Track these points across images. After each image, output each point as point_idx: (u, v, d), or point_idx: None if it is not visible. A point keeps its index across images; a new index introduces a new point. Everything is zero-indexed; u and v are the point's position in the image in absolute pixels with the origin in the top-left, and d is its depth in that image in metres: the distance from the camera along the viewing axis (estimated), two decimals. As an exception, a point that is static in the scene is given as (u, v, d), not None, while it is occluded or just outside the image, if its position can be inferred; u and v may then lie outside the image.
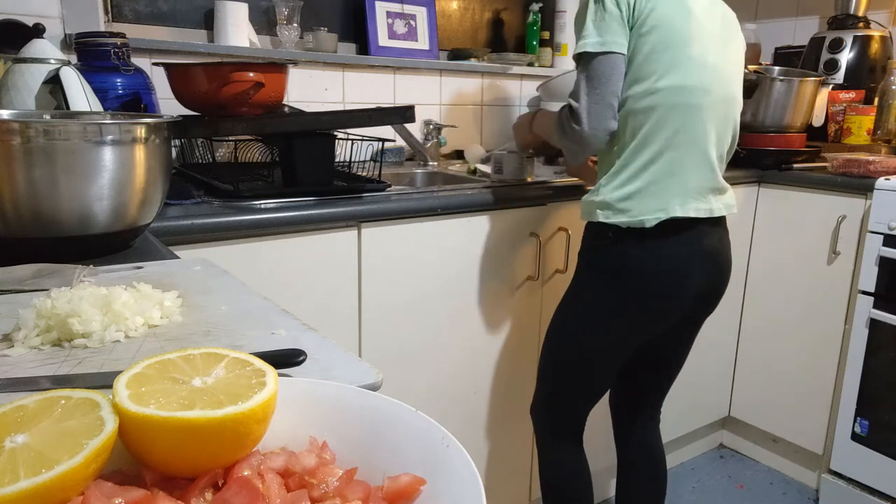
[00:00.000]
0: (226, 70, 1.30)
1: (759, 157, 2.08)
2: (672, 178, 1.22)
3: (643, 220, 1.22)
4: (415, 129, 2.02)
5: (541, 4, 2.36)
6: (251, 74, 1.30)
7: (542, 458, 1.48)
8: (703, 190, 1.26)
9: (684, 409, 2.12)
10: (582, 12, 1.24)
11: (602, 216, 1.25)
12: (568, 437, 1.44)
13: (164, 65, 1.38)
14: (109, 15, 1.64)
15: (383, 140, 1.51)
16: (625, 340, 1.33)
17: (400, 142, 1.98)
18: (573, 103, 1.23)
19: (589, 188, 1.38)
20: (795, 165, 2.07)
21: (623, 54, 1.20)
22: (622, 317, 1.29)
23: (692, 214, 1.24)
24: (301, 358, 0.51)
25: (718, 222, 1.31)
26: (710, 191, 1.27)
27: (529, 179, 1.66)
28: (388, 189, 1.44)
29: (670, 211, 1.22)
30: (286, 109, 1.68)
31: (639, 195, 1.22)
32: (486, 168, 1.87)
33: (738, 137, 1.35)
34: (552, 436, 1.45)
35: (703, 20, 1.24)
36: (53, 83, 1.05)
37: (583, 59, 1.22)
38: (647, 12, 1.19)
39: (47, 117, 0.92)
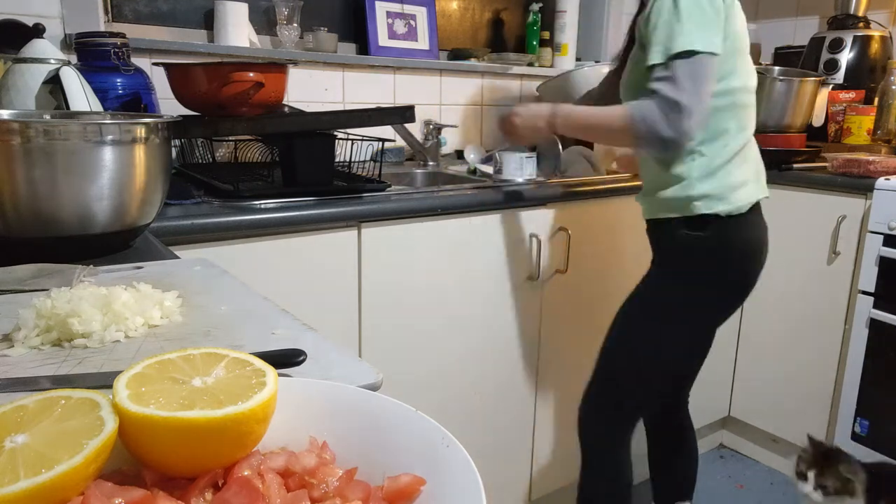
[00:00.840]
0: (226, 70, 1.30)
1: (759, 157, 2.08)
2: (749, 166, 1.34)
3: (741, 207, 1.30)
4: (415, 129, 2.02)
5: (541, 4, 2.36)
6: (251, 74, 1.30)
7: (595, 470, 1.48)
8: (762, 174, 1.39)
9: (684, 409, 2.12)
10: (681, 6, 1.22)
11: (704, 208, 1.30)
12: (627, 444, 1.46)
13: (164, 65, 1.38)
14: (109, 15, 1.64)
15: (383, 140, 1.51)
16: (715, 323, 1.41)
17: (400, 142, 1.98)
18: (681, 98, 1.19)
19: (638, 182, 1.44)
20: (795, 165, 2.07)
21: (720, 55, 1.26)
22: (724, 297, 1.37)
23: (763, 195, 1.36)
24: (301, 358, 0.51)
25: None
26: (763, 174, 1.40)
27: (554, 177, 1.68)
28: (388, 189, 1.44)
29: (754, 196, 1.33)
30: (286, 109, 1.68)
31: (734, 184, 1.30)
32: (487, 168, 1.87)
33: None
34: (610, 446, 1.46)
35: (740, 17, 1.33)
36: (53, 83, 1.05)
37: (690, 56, 1.21)
38: (729, 16, 1.27)
39: (47, 117, 0.92)
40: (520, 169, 1.63)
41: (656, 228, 1.39)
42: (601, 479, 1.47)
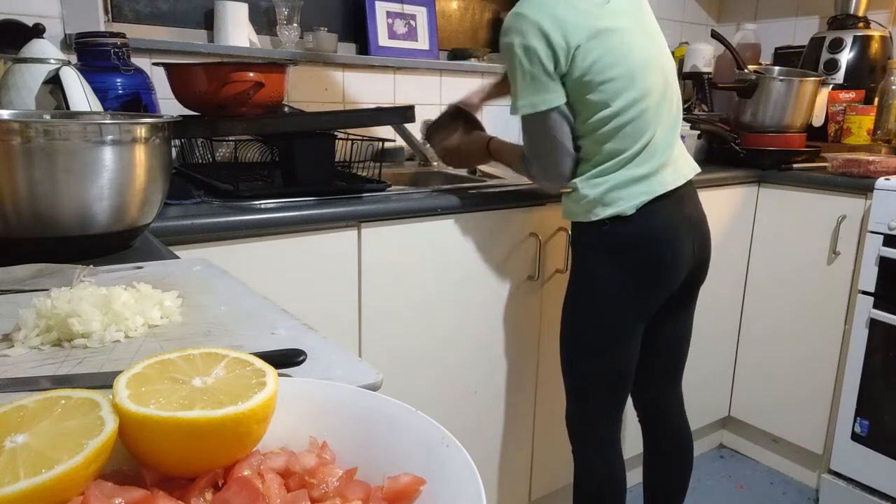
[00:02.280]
0: (226, 70, 1.30)
1: (759, 157, 2.08)
2: (641, 168, 1.31)
3: (625, 210, 1.30)
4: (415, 129, 2.02)
5: (541, 4, 2.36)
6: (251, 74, 1.30)
7: (578, 467, 1.49)
8: (668, 162, 1.35)
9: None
10: (515, 64, 1.27)
11: (592, 216, 1.32)
12: (612, 443, 1.45)
13: (164, 65, 1.38)
14: (109, 15, 1.64)
15: (383, 140, 1.51)
16: (637, 314, 1.38)
17: (400, 142, 1.98)
18: (532, 161, 1.36)
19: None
20: (795, 165, 2.07)
21: (558, 106, 1.28)
22: (629, 289, 1.35)
23: (670, 188, 1.32)
24: (301, 358, 0.51)
25: (689, 188, 1.39)
26: (674, 161, 1.36)
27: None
28: (388, 189, 1.44)
29: (651, 192, 1.31)
30: (286, 109, 1.68)
31: (618, 188, 1.30)
32: (486, 168, 1.87)
33: (679, 94, 1.42)
34: (594, 445, 1.46)
35: (620, 24, 1.28)
36: (53, 83, 1.05)
37: (532, 115, 1.30)
38: (576, 57, 1.24)
39: (47, 117, 0.92)
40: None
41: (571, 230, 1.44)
42: (592, 481, 1.47)
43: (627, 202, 1.30)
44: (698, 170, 1.43)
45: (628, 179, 1.30)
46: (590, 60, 1.23)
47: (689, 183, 1.39)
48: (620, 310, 1.36)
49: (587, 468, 1.47)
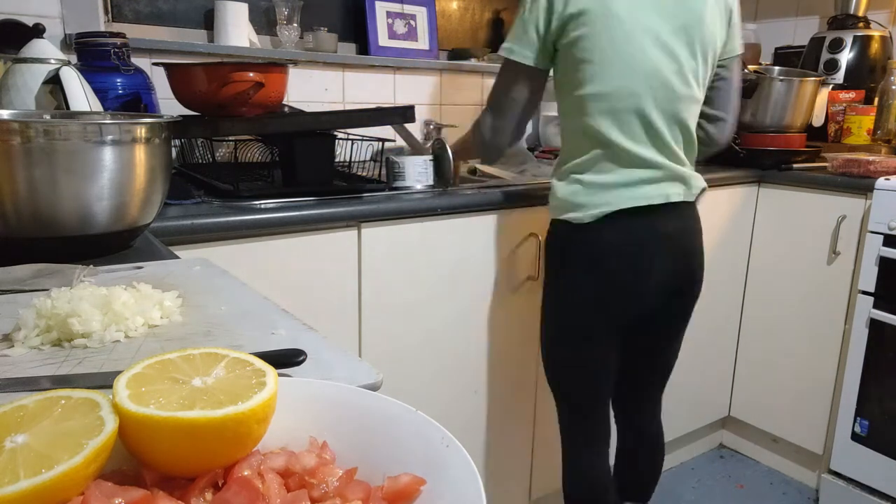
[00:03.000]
0: (226, 70, 1.30)
1: (759, 157, 2.08)
2: (613, 174, 1.27)
3: (582, 217, 1.28)
4: (415, 129, 2.02)
5: (541, 4, 2.36)
6: (251, 74, 1.30)
7: (563, 469, 1.49)
8: (658, 179, 1.28)
9: (684, 409, 2.12)
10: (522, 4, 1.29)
11: (558, 214, 1.32)
12: (595, 447, 1.45)
13: (164, 65, 1.38)
14: (109, 15, 1.64)
15: (383, 140, 1.51)
16: (599, 322, 1.34)
17: (400, 142, 1.97)
18: (485, 109, 1.41)
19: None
20: (795, 165, 2.07)
21: (529, 67, 1.30)
22: (590, 295, 1.33)
23: (641, 203, 1.26)
24: (301, 358, 0.51)
25: (677, 207, 1.32)
26: (665, 178, 1.29)
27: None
28: (388, 189, 1.44)
29: (615, 205, 1.26)
30: (286, 109, 1.68)
31: (584, 192, 1.28)
32: (487, 168, 1.87)
33: (695, 117, 1.34)
34: (578, 445, 1.46)
35: (634, 17, 1.22)
36: (53, 83, 1.05)
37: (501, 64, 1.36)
38: (568, 28, 1.23)
39: (47, 117, 0.92)
40: (424, 174, 1.50)
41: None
42: (575, 483, 1.47)
43: (587, 210, 1.27)
44: (694, 194, 1.35)
45: (596, 184, 1.27)
46: (579, 33, 1.22)
47: (677, 204, 1.31)
48: (583, 313, 1.34)
49: (570, 470, 1.48)
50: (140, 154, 0.82)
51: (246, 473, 0.35)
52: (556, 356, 1.43)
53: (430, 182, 1.50)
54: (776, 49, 2.56)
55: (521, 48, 1.28)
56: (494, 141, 1.39)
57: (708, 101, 1.39)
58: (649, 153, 1.27)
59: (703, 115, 1.40)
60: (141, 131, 0.81)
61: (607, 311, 1.33)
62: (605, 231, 1.27)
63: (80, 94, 1.05)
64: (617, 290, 1.31)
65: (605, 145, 1.26)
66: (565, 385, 1.44)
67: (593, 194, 1.27)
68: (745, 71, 2.14)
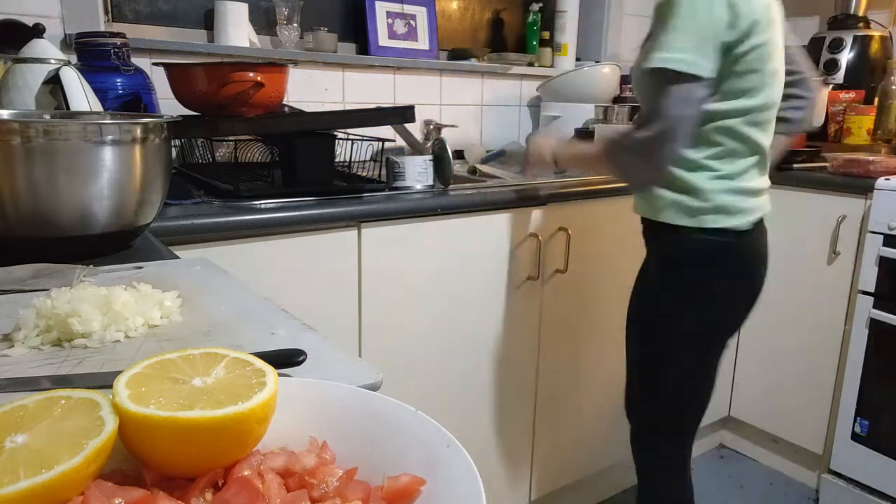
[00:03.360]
0: (226, 70, 1.30)
1: (759, 157, 2.08)
2: (756, 181, 1.25)
3: (751, 221, 1.23)
4: (415, 129, 2.02)
5: (541, 4, 2.36)
6: (251, 74, 1.30)
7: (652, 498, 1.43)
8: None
9: (684, 409, 2.12)
10: (667, 15, 1.13)
11: (702, 222, 1.21)
12: (686, 469, 1.40)
13: (164, 65, 1.38)
14: (109, 15, 1.64)
15: (383, 140, 1.51)
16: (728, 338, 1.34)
17: (400, 142, 1.98)
18: (643, 134, 1.15)
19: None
20: (795, 165, 2.07)
21: (711, 80, 1.15)
22: (736, 307, 1.30)
23: (768, 210, 1.29)
24: (301, 358, 0.51)
25: None
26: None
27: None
28: (388, 189, 1.44)
29: (762, 210, 1.26)
30: (286, 109, 1.68)
31: (739, 195, 1.22)
32: (486, 168, 1.87)
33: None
34: (673, 478, 1.40)
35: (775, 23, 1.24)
36: (53, 83, 1.05)
37: (660, 78, 1.14)
38: (754, 31, 1.16)
39: (47, 117, 0.92)
40: (424, 174, 1.49)
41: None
42: None
43: (745, 216, 1.22)
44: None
45: (748, 189, 1.23)
46: (758, 41, 1.15)
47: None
48: (721, 333, 1.31)
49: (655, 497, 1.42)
50: (140, 154, 0.82)
51: (246, 473, 0.35)
52: (681, 368, 1.33)
53: (430, 182, 1.49)
54: (776, 49, 2.56)
55: (698, 58, 1.10)
56: (667, 168, 1.18)
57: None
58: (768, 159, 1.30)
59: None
60: (141, 131, 0.81)
61: (737, 315, 1.32)
62: (754, 236, 1.26)
63: (80, 94, 1.05)
64: (751, 294, 1.31)
65: (759, 153, 1.24)
66: (686, 399, 1.35)
67: (746, 200, 1.23)
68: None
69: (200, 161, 1.60)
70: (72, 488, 0.31)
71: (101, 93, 1.23)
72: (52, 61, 1.06)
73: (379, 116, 1.47)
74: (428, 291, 1.46)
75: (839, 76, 2.24)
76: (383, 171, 1.52)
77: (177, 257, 0.87)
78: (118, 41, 1.35)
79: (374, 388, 0.48)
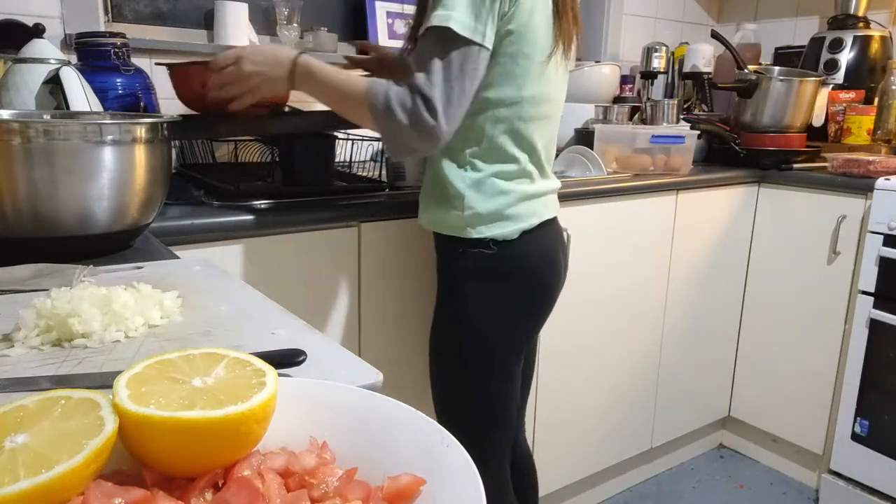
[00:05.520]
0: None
1: (759, 157, 2.08)
2: (535, 185, 1.16)
3: (519, 229, 1.13)
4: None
5: (541, 4, 2.36)
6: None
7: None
8: (554, 190, 1.23)
9: (684, 409, 2.12)
10: None
11: (475, 233, 1.12)
12: (498, 470, 1.28)
13: (167, 65, 1.38)
14: (109, 15, 1.64)
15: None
16: (523, 337, 1.23)
17: (400, 142, 1.97)
18: (430, 91, 0.99)
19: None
20: (795, 165, 2.07)
21: (489, 50, 1.03)
22: (521, 319, 1.21)
23: (554, 214, 1.21)
24: (301, 358, 0.51)
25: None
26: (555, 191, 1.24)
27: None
28: (388, 189, 1.44)
29: (540, 216, 1.16)
30: (286, 109, 1.68)
31: (514, 205, 1.13)
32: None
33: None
34: (503, 479, 1.29)
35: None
36: (53, 83, 1.05)
37: (439, 37, 1.00)
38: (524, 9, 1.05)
39: (47, 117, 0.92)
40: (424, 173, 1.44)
41: None
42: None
43: (516, 223, 1.12)
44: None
45: (525, 195, 1.13)
46: (525, 21, 1.05)
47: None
48: (512, 342, 1.20)
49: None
50: (140, 154, 0.82)
51: (246, 473, 0.35)
52: (475, 394, 1.22)
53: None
54: (776, 49, 2.56)
55: (483, 26, 1.01)
56: (441, 129, 1.03)
57: None
58: (550, 165, 1.22)
59: None
60: (141, 131, 0.82)
61: (535, 328, 1.27)
62: (530, 241, 1.18)
63: (79, 94, 1.05)
64: (548, 301, 1.24)
65: (533, 157, 1.17)
66: (480, 419, 1.24)
67: (519, 204, 1.16)
68: (745, 71, 2.14)
69: (200, 161, 1.60)
70: (72, 488, 0.31)
71: (101, 93, 1.23)
72: (52, 61, 1.06)
73: (379, 116, 1.46)
74: (427, 291, 1.46)
75: (839, 76, 2.24)
76: (383, 171, 1.52)
77: (177, 257, 0.87)
78: (118, 41, 1.35)
79: (374, 388, 0.48)
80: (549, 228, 1.21)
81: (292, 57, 1.08)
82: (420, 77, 1.00)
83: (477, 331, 1.18)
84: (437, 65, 1.00)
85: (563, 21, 1.11)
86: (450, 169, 1.13)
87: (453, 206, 1.13)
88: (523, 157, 1.13)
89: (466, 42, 1.00)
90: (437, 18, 0.99)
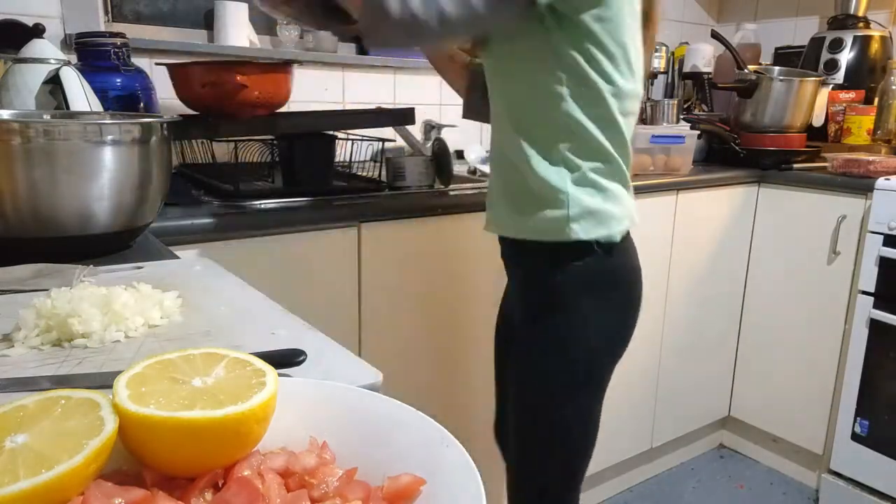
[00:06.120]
0: (233, 69, 1.30)
1: (759, 157, 2.08)
2: (627, 184, 1.07)
3: (622, 230, 1.03)
4: (415, 129, 2.02)
5: (541, 4, 2.36)
6: (254, 75, 1.30)
7: None
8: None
9: (684, 409, 2.12)
10: None
11: (582, 232, 0.99)
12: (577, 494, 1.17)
13: (167, 65, 1.38)
14: (109, 15, 1.64)
15: (383, 140, 1.51)
16: (624, 352, 1.12)
17: (400, 142, 1.98)
18: None
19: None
20: (795, 165, 2.07)
21: None
22: (625, 331, 1.11)
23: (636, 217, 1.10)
24: (301, 358, 0.51)
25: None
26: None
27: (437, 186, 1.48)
28: (388, 189, 1.44)
29: (633, 219, 1.07)
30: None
31: (615, 204, 1.03)
32: (487, 168, 1.87)
33: None
34: None
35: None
36: (53, 83, 1.05)
37: None
38: None
39: (47, 117, 0.92)
40: (424, 174, 1.44)
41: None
42: None
43: (619, 224, 1.02)
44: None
45: (622, 195, 1.04)
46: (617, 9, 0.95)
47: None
48: (617, 357, 1.10)
49: None
50: (140, 154, 0.82)
51: (246, 473, 0.35)
52: (578, 421, 1.11)
53: (430, 182, 1.49)
54: (776, 49, 2.56)
55: None
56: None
57: None
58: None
59: None
60: (141, 131, 0.81)
61: (626, 344, 1.12)
62: (628, 247, 1.09)
63: (79, 94, 1.05)
64: (637, 313, 1.12)
65: (626, 156, 1.07)
66: (581, 441, 1.14)
67: (620, 203, 1.06)
68: (745, 71, 2.14)
69: (200, 161, 1.60)
70: (72, 488, 0.31)
71: (101, 93, 1.23)
72: (52, 61, 1.06)
73: (379, 118, 1.47)
74: (427, 291, 1.46)
75: (839, 76, 2.24)
76: (383, 171, 1.52)
77: (177, 257, 0.87)
78: (118, 41, 1.35)
79: (374, 388, 0.48)
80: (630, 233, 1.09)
81: None
82: None
83: (590, 349, 1.05)
84: None
85: (649, 24, 1.06)
86: (541, 166, 0.99)
87: (554, 206, 0.99)
88: (617, 153, 1.03)
89: None
90: None
